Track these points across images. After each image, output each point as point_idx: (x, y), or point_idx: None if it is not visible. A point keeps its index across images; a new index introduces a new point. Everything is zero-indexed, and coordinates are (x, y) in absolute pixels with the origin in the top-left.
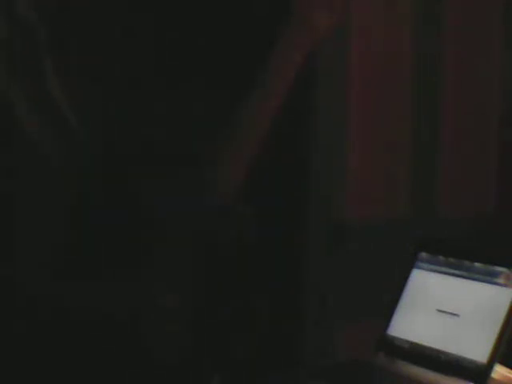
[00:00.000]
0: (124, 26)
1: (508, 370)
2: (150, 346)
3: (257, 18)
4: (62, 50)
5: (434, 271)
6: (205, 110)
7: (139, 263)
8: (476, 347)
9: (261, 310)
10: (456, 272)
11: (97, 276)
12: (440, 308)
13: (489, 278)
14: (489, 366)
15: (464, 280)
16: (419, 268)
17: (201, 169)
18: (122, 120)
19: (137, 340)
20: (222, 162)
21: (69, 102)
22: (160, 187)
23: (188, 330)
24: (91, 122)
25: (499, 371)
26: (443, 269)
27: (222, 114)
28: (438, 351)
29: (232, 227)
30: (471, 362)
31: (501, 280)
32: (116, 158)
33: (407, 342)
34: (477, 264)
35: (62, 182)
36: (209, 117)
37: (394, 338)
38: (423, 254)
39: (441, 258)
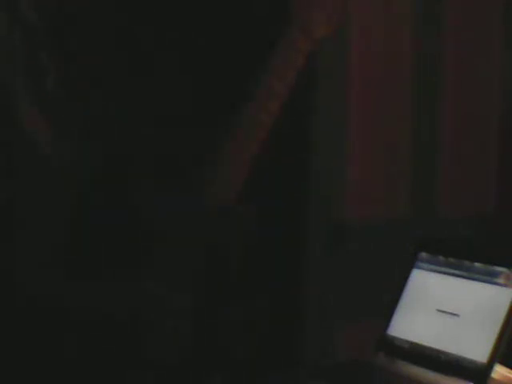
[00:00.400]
0: (124, 27)
1: (508, 369)
2: (150, 346)
3: (257, 19)
4: (62, 50)
5: (434, 271)
6: (205, 111)
7: (139, 263)
8: (476, 347)
9: (261, 309)
10: (456, 272)
11: (97, 276)
12: (440, 308)
13: (489, 278)
14: (489, 366)
15: (464, 280)
16: (419, 268)
17: (201, 169)
18: (122, 120)
19: (137, 340)
20: (222, 163)
21: (69, 103)
22: (160, 187)
23: (188, 329)
24: (91, 122)
25: (499, 371)
26: (443, 269)
27: (223, 114)
28: (438, 351)
29: (232, 227)
30: (471, 362)
31: (501, 280)
32: (116, 158)
33: (407, 342)
34: (477, 264)
35: (61, 183)
36: (209, 117)
37: (393, 338)
38: (423, 254)
39: (441, 258)
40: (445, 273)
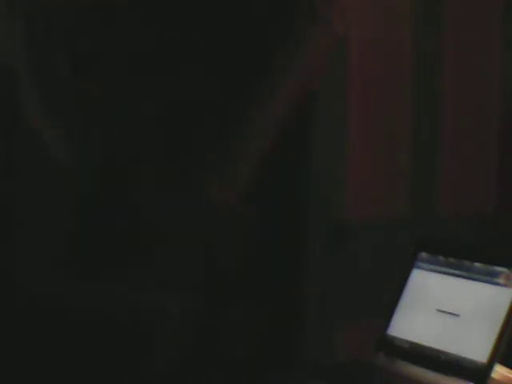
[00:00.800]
0: (127, 25)
1: (508, 369)
2: (150, 345)
3: (275, 18)
4: (65, 49)
5: (434, 271)
6: (210, 109)
7: (139, 263)
8: (476, 347)
9: (261, 309)
10: (456, 272)
11: (97, 276)
12: (440, 308)
13: (489, 278)
14: (489, 366)
15: (464, 280)
16: (419, 268)
17: (202, 169)
18: (122, 120)
19: (137, 340)
20: (224, 162)
21: (71, 102)
22: (160, 187)
23: (188, 329)
24: (91, 121)
25: (499, 371)
26: (443, 269)
27: (229, 113)
28: (438, 351)
29: (232, 227)
30: (471, 362)
31: (501, 280)
32: (116, 158)
33: (407, 342)
34: (477, 264)
35: (62, 182)
36: (213, 117)
37: (394, 338)
38: (423, 254)
39: (441, 258)
40: (445, 273)
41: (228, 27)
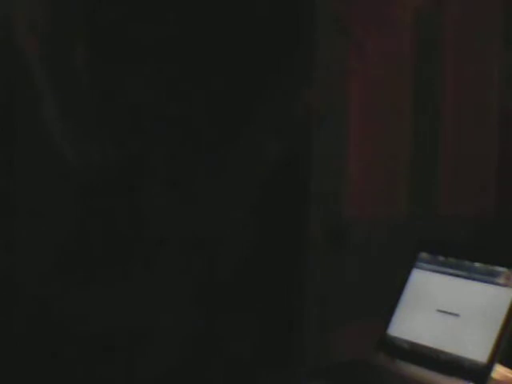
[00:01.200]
0: (138, 28)
1: (508, 369)
2: (151, 346)
3: (302, 29)
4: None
5: (434, 271)
6: (224, 114)
7: (139, 264)
8: (476, 347)
9: (261, 309)
10: (456, 272)
11: (96, 279)
12: (440, 308)
13: (489, 278)
14: (489, 366)
15: (464, 280)
16: (419, 268)
17: (205, 171)
18: (125, 120)
19: (135, 344)
20: (233, 165)
21: (83, 104)
22: (161, 187)
23: (189, 330)
24: (98, 121)
25: (499, 371)
26: (443, 269)
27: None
28: (437, 351)
29: (232, 227)
30: (471, 361)
31: (501, 280)
32: (119, 161)
33: (407, 342)
34: (477, 264)
35: (64, 184)
36: (226, 121)
37: (394, 338)
38: (423, 254)
39: (441, 258)
40: (445, 273)
41: (242, 34)
